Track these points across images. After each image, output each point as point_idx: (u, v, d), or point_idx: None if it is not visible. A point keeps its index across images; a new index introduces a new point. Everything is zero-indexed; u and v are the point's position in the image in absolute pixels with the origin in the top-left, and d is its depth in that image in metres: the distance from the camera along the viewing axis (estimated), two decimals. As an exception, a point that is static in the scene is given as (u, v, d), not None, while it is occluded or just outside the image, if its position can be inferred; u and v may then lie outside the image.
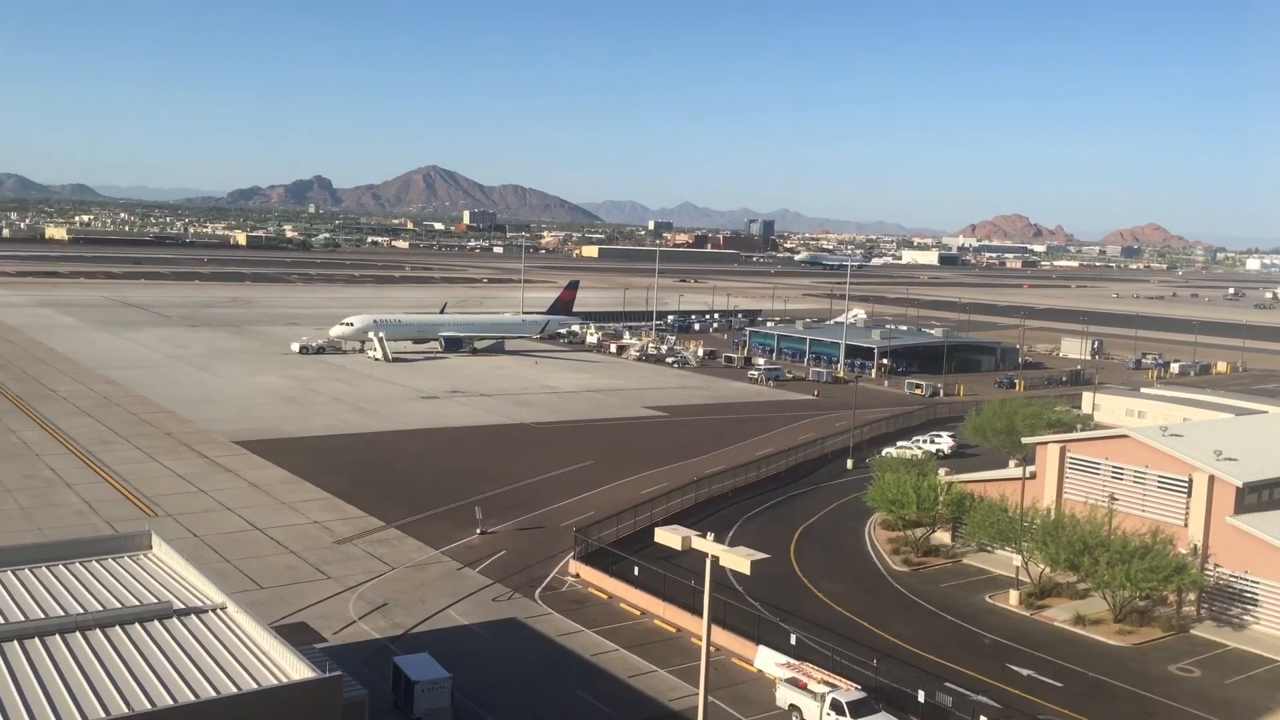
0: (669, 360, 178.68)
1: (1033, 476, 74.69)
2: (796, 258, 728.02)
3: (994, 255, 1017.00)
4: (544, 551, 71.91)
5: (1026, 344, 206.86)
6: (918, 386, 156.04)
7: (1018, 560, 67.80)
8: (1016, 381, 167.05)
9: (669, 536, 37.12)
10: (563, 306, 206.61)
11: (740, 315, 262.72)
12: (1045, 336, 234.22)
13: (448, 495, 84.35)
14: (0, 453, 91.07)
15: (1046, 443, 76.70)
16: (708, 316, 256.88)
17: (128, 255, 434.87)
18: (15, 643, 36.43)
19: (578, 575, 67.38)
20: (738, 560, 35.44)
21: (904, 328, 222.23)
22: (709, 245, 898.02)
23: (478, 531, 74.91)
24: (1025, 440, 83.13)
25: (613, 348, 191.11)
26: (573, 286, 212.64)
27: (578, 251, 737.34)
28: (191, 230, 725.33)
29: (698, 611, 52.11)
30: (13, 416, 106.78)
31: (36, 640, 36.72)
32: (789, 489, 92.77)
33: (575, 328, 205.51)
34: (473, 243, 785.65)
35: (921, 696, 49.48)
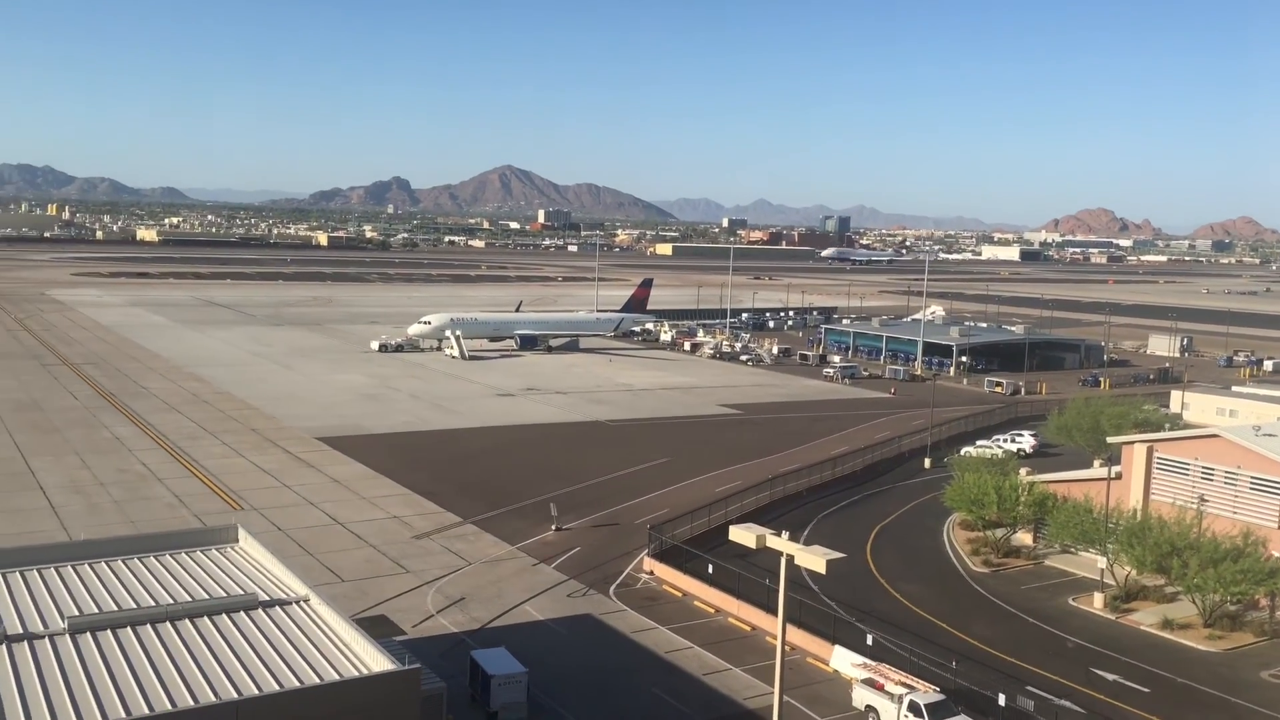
0: (743, 358, 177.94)
1: (1118, 477, 72.82)
2: (823, 254, 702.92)
3: (1078, 250, 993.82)
4: (618, 548, 72.18)
5: (1112, 341, 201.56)
6: (998, 384, 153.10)
7: (1103, 563, 66.13)
8: (1102, 379, 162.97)
9: (743, 535, 36.99)
10: (637, 304, 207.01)
11: (815, 313, 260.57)
12: (1132, 333, 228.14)
13: (523, 492, 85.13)
14: (95, 447, 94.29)
15: (1133, 442, 74.71)
16: (782, 314, 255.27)
17: (214, 256, 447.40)
18: (109, 632, 37.72)
19: (652, 572, 67.50)
20: (813, 559, 35.18)
21: (984, 324, 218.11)
22: (783, 242, 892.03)
23: (553, 528, 75.47)
24: (1111, 440, 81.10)
25: (687, 345, 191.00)
26: (647, 284, 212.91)
27: (652, 249, 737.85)
28: (275, 231, 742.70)
29: (772, 610, 51.88)
30: (106, 412, 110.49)
31: (129, 629, 37.97)
32: (865, 488, 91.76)
33: (649, 325, 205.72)
34: (547, 241, 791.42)
35: (1002, 700, 48.57)
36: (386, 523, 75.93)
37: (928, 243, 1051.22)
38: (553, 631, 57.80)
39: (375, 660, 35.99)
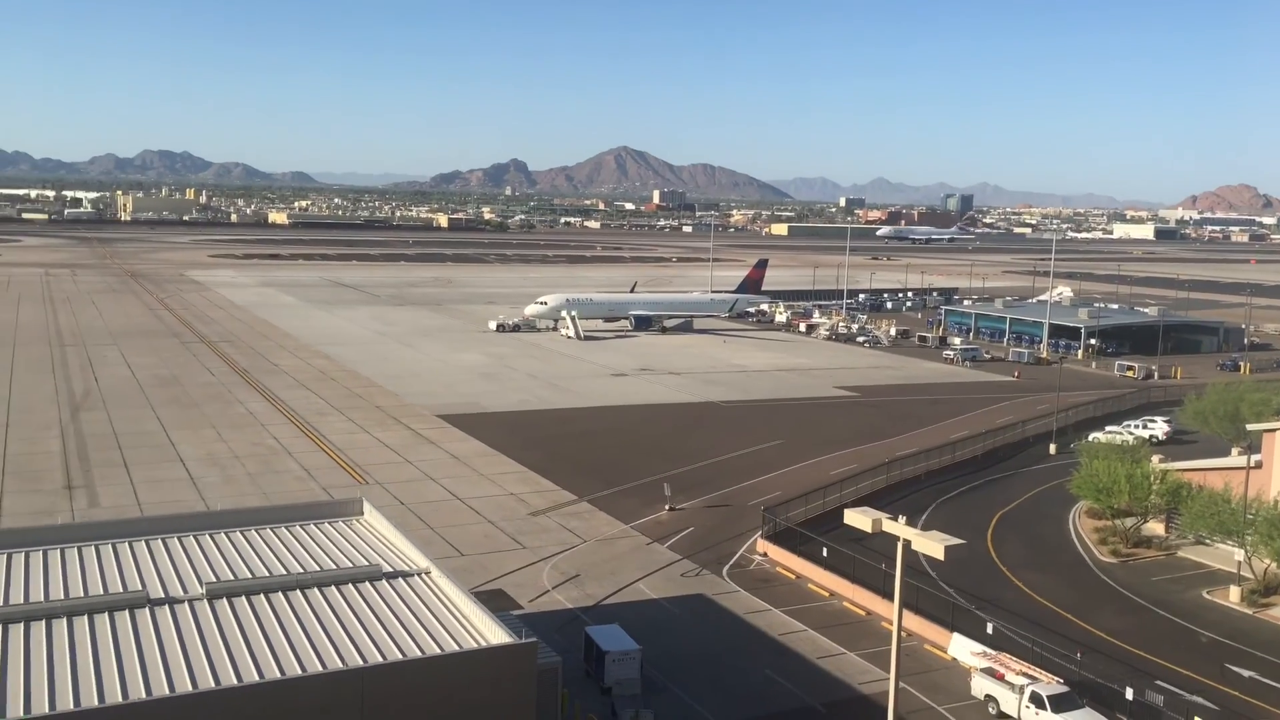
0: (860, 339, 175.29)
1: (1259, 466, 69.31)
2: (878, 232, 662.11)
3: (1217, 229, 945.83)
4: (731, 529, 72.11)
5: (1253, 324, 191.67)
6: (1129, 368, 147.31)
7: (1240, 555, 63.12)
8: (1241, 364, 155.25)
9: (859, 518, 36.51)
10: (751, 285, 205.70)
11: (935, 293, 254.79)
12: (1276, 316, 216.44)
13: (637, 471, 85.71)
14: (230, 422, 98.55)
15: (1275, 430, 70.98)
16: (900, 295, 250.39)
17: (341, 238, 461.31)
18: (244, 598, 39.45)
19: (765, 554, 67.26)
20: (931, 545, 34.52)
21: (1114, 306, 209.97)
22: (902, 222, 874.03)
23: (666, 508, 75.82)
24: (1251, 427, 77.18)
25: (802, 327, 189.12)
26: (761, 265, 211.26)
27: (767, 229, 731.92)
28: (398, 214, 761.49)
29: (888, 595, 51.15)
30: (241, 389, 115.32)
31: (262, 596, 39.65)
32: (986, 473, 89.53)
33: (764, 306, 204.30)
34: (662, 222, 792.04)
35: (1130, 694, 46.93)
36: (504, 499, 77.43)
37: (1055, 221, 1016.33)
38: (666, 610, 58.15)
39: (493, 633, 36.78)
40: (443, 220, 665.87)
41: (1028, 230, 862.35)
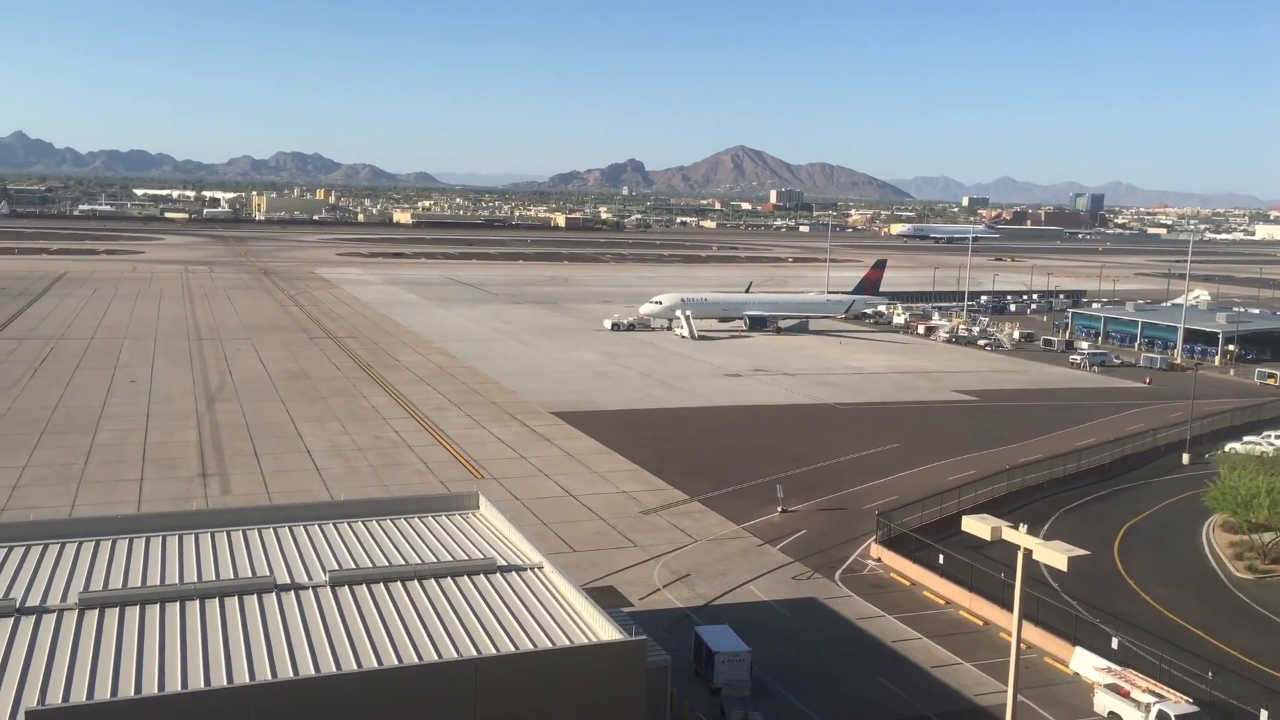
0: (981, 343, 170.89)
1: None
2: (896, 230, 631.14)
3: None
4: (845, 533, 71.14)
5: None
6: (1270, 376, 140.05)
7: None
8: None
9: (978, 526, 35.61)
10: (869, 286, 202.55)
11: (1061, 296, 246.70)
12: None
13: (749, 472, 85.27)
14: (354, 415, 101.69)
15: None
16: (1025, 297, 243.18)
17: (461, 237, 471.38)
18: (364, 586, 40.67)
19: (879, 559, 66.15)
20: (1053, 555, 33.46)
21: (1255, 311, 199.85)
22: (1028, 222, 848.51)
23: (778, 510, 75.23)
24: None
25: (921, 329, 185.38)
26: (880, 265, 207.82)
27: (886, 229, 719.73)
28: (517, 213, 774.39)
29: (1007, 605, 49.75)
30: (365, 383, 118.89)
31: (381, 585, 40.81)
32: (1113, 483, 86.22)
33: (882, 308, 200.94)
34: (778, 222, 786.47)
35: (1265, 717, 44.61)
36: (616, 497, 77.97)
37: (1192, 221, 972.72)
38: (776, 613, 57.71)
39: (604, 629, 37.08)
40: (560, 220, 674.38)
41: (1162, 231, 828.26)
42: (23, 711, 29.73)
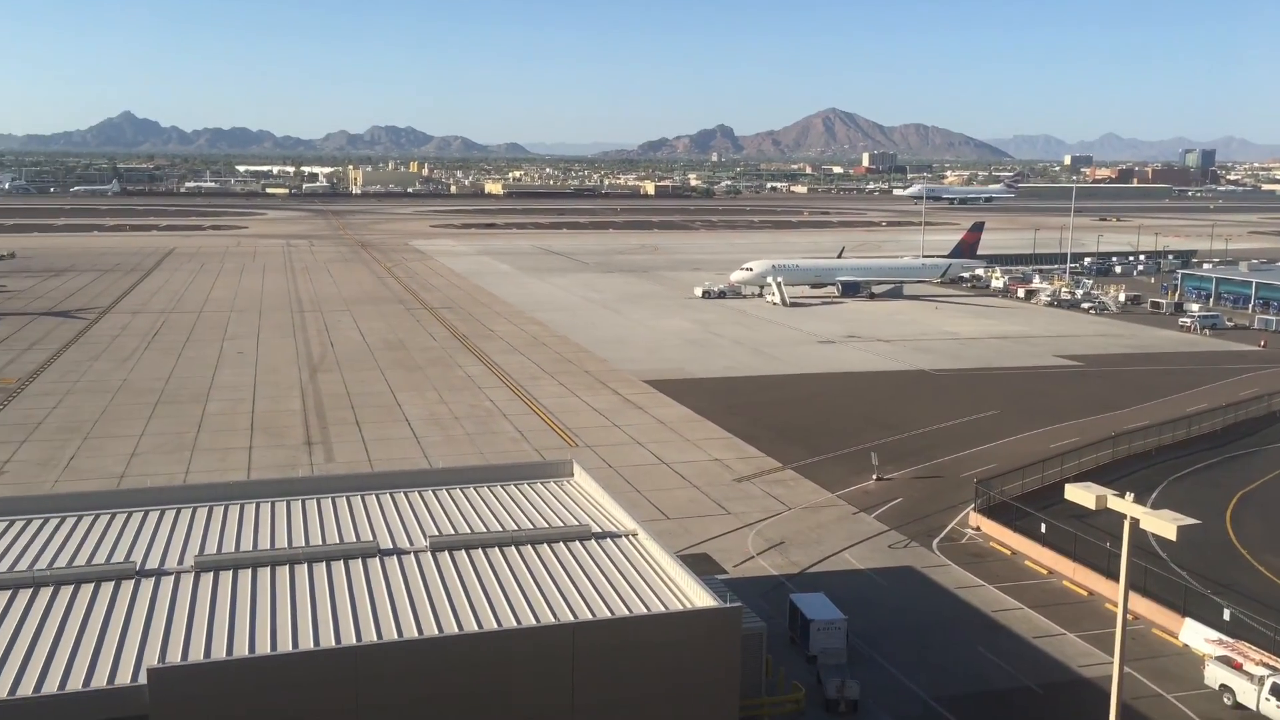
0: (1084, 306, 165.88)
1: None
2: (904, 191, 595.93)
3: None
4: (942, 501, 70.08)
5: None
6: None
7: None
8: None
9: (1081, 494, 34.66)
10: (966, 249, 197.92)
11: (1170, 256, 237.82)
12: None
13: (844, 439, 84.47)
14: (451, 385, 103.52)
15: None
16: (1131, 258, 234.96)
17: (552, 207, 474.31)
18: (464, 552, 41.52)
19: (978, 528, 65.03)
20: (1161, 524, 32.40)
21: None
22: (1134, 180, 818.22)
23: (874, 477, 74.43)
24: None
25: (1020, 292, 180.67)
26: (977, 228, 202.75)
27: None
28: (606, 182, 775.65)
29: (1113, 576, 48.57)
30: (461, 353, 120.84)
31: (480, 550, 41.62)
32: (1226, 449, 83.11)
33: (979, 271, 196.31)
34: (871, 185, 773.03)
35: (1390, 695, 42.73)
36: (709, 465, 78.02)
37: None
38: (872, 581, 57.24)
39: (699, 596, 37.25)
40: (649, 188, 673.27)
41: (1278, 187, 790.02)
42: (145, 668, 31.19)
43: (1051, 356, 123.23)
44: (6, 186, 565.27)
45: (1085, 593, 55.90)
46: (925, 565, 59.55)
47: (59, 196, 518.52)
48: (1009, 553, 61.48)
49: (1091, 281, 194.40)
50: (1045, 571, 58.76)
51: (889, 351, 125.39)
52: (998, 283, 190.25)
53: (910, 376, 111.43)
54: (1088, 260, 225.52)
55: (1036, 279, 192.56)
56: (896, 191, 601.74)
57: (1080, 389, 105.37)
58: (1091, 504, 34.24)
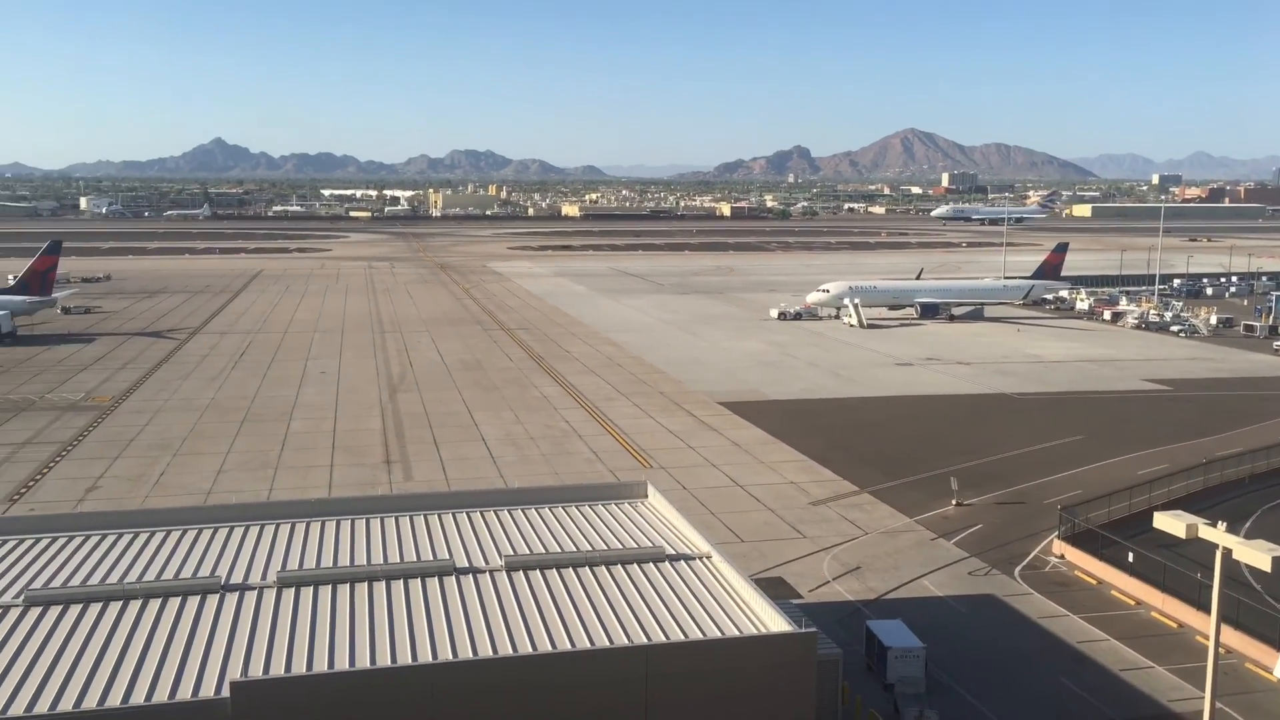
0: (1174, 328, 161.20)
1: None
2: (934, 213, 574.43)
3: None
4: (1025, 529, 68.47)
5: None
6: None
7: None
8: None
9: (1171, 522, 33.66)
10: (1049, 270, 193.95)
11: (1264, 278, 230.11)
12: None
13: (922, 463, 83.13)
14: (526, 405, 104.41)
15: None
16: (1223, 280, 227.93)
17: (628, 229, 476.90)
18: (538, 571, 41.73)
19: (1062, 556, 63.38)
20: (1256, 555, 31.31)
21: None
22: (1226, 199, 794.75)
23: (953, 503, 73.08)
24: None
25: (1107, 314, 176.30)
26: (1061, 249, 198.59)
27: (1068, 211, 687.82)
28: (682, 204, 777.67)
29: (1204, 607, 46.90)
30: (536, 374, 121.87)
31: (554, 571, 41.78)
32: (1325, 478, 79.87)
33: (1063, 293, 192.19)
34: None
35: None
36: (784, 487, 77.38)
37: None
38: (952, 609, 56.10)
39: (773, 620, 36.88)
40: (725, 209, 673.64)
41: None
42: (228, 681, 31.91)
43: (1139, 380, 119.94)
44: (104, 211, 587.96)
45: (1175, 625, 54.08)
46: (1007, 593, 58.20)
47: (153, 220, 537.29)
48: (1095, 582, 59.80)
49: (1181, 303, 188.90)
50: (1133, 602, 57.01)
51: (969, 374, 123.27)
52: (1083, 305, 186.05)
53: (991, 400, 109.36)
54: (1177, 282, 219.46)
55: (1123, 301, 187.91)
56: (933, 212, 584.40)
57: (1169, 414, 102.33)
58: (1182, 533, 33.23)
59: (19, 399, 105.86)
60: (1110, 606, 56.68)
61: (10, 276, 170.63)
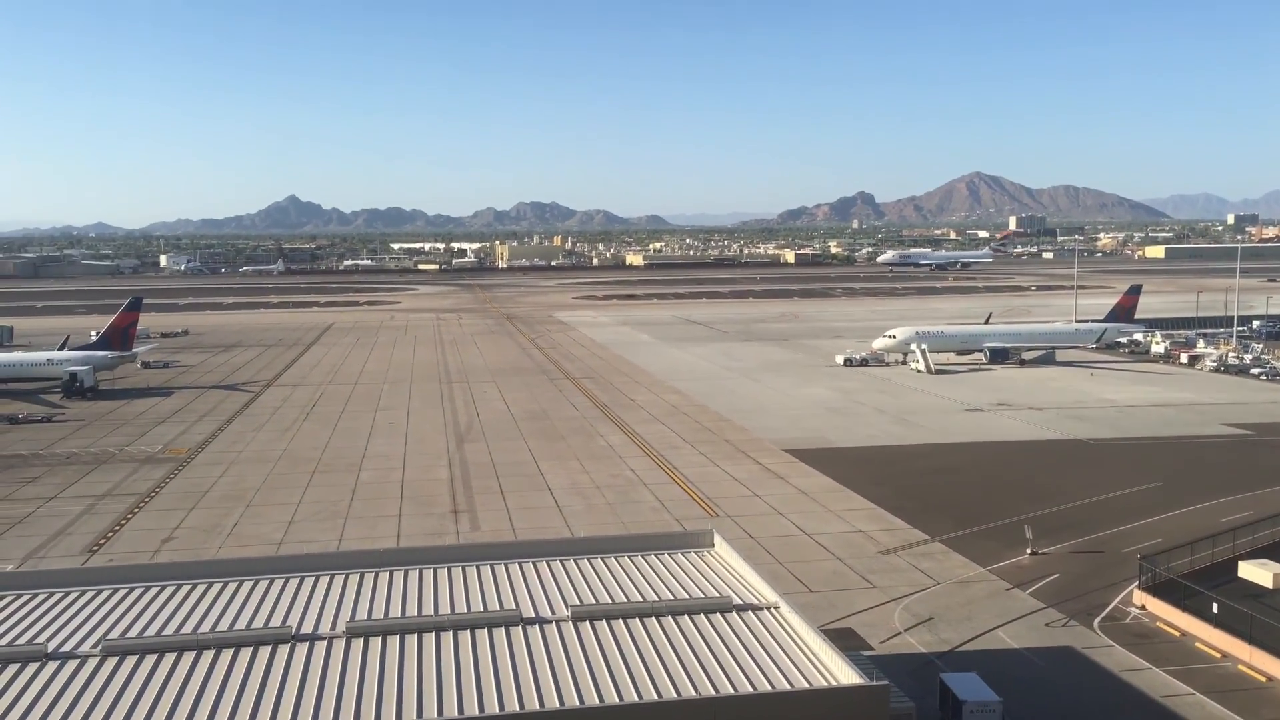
0: (1254, 371, 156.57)
1: None
2: (879, 258, 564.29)
3: None
4: (1103, 578, 66.51)
5: None
6: None
7: None
8: None
9: (1258, 571, 32.52)
10: (1122, 313, 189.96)
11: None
12: None
13: (994, 512, 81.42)
14: (592, 454, 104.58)
15: None
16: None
17: (691, 277, 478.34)
18: (605, 622, 41.51)
19: (1143, 607, 61.38)
20: (1351, 607, 30.01)
21: None
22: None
23: (1028, 551, 71.32)
24: None
25: (1183, 358, 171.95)
26: (1134, 291, 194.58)
27: (1140, 253, 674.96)
28: (745, 251, 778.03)
29: (1296, 662, 44.97)
30: (602, 422, 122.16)
31: (620, 621, 41.52)
32: None
33: (1137, 336, 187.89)
34: (1019, 249, 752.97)
35: None
36: (852, 536, 76.27)
37: None
38: (1028, 662, 54.55)
39: (844, 673, 36.18)
40: (789, 256, 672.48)
41: None
42: (299, 731, 32.08)
43: (1219, 425, 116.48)
44: (183, 268, 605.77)
45: (1264, 678, 51.93)
46: (1086, 646, 56.47)
47: (229, 276, 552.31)
48: (1178, 634, 57.76)
49: (1262, 345, 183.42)
50: (1218, 655, 54.91)
51: (1042, 420, 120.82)
52: (1158, 348, 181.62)
53: (1065, 446, 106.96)
54: (1257, 323, 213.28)
55: (1201, 343, 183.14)
56: (878, 258, 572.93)
57: (1252, 459, 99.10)
58: (1269, 582, 32.07)
59: (99, 451, 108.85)
60: (1195, 660, 54.67)
61: (93, 333, 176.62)
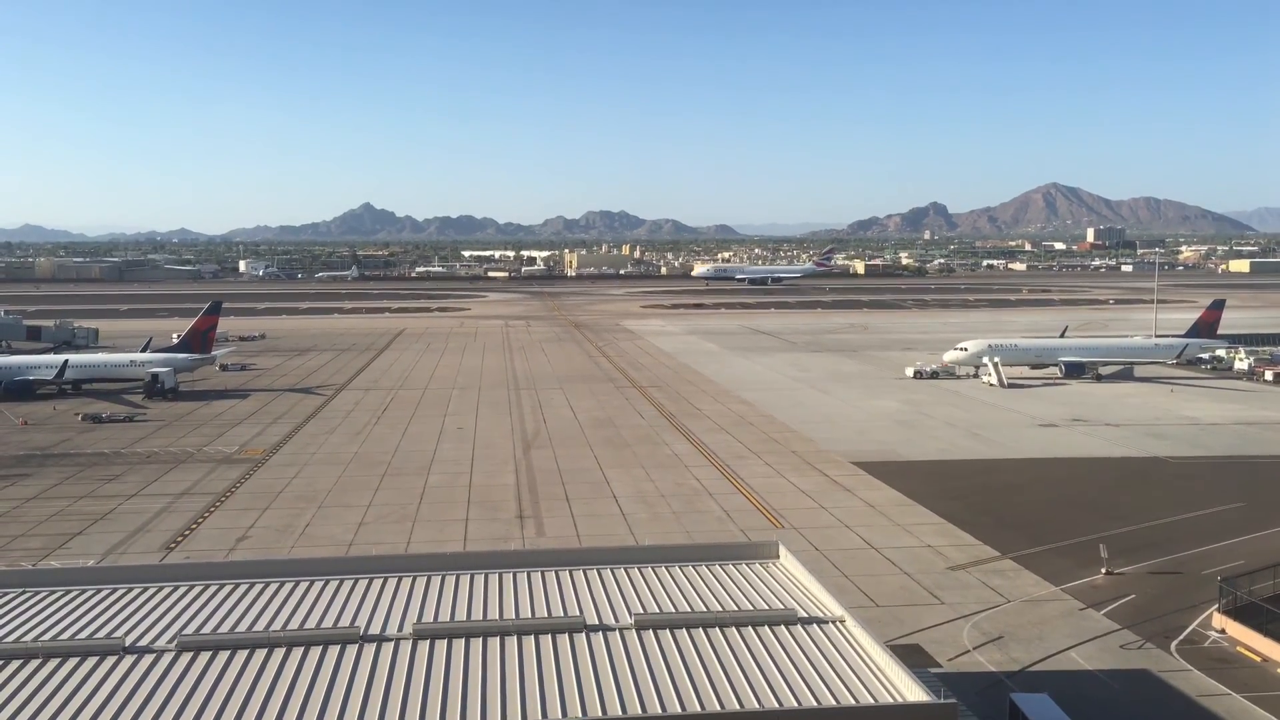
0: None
1: None
2: (694, 272, 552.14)
3: None
4: (1181, 600, 64.66)
5: None
6: None
7: None
8: None
9: (1347, 598, 31.26)
10: (1204, 328, 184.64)
11: None
12: None
13: (1068, 529, 79.61)
14: (657, 463, 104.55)
15: None
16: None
17: (761, 287, 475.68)
18: (668, 631, 41.39)
19: (1224, 631, 59.51)
20: None
21: None
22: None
23: (1103, 571, 69.61)
24: None
25: (1269, 375, 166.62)
26: (1217, 306, 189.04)
27: (1224, 266, 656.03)
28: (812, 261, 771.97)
29: (1387, 693, 43.17)
30: (668, 432, 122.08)
31: (684, 631, 41.38)
32: None
33: (1220, 352, 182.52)
34: (1097, 262, 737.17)
35: None
36: (920, 551, 75.15)
37: None
38: (1102, 684, 53.18)
39: (910, 690, 35.61)
40: (860, 267, 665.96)
41: None
42: (365, 730, 32.49)
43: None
44: (261, 273, 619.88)
45: (1354, 710, 49.99)
46: (1162, 669, 54.91)
47: (305, 282, 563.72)
48: (1259, 659, 55.90)
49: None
50: (1304, 683, 53.02)
51: (1119, 436, 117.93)
52: (1241, 364, 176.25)
53: (1143, 464, 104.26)
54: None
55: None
56: (693, 272, 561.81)
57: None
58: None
59: (178, 451, 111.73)
60: (1276, 686, 52.83)
61: (174, 335, 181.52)
